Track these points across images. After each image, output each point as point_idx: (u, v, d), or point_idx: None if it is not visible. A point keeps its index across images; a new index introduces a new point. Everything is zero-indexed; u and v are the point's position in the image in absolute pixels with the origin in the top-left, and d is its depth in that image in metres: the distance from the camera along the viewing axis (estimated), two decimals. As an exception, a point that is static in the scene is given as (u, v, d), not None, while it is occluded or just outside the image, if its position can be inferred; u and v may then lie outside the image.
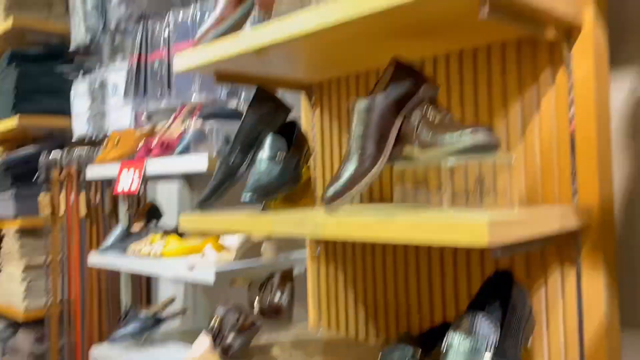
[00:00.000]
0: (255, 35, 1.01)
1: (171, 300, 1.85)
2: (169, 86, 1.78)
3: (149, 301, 2.21)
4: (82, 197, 2.11)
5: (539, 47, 0.99)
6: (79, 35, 2.35)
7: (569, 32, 0.94)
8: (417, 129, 0.89)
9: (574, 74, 0.94)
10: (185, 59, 1.17)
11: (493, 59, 1.06)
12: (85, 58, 2.50)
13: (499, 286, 0.92)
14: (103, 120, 2.20)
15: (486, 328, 0.80)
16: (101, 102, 2.21)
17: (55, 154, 2.26)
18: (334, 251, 1.36)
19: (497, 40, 1.04)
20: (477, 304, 0.90)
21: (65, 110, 2.51)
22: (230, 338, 1.09)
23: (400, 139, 0.94)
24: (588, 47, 0.93)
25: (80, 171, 2.14)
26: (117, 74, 2.13)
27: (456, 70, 1.12)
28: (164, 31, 1.82)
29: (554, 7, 0.85)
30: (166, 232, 1.74)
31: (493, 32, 0.99)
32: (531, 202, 1.00)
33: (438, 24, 0.93)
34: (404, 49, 1.09)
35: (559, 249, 0.97)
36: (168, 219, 2.06)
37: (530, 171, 1.00)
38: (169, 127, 1.72)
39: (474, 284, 1.09)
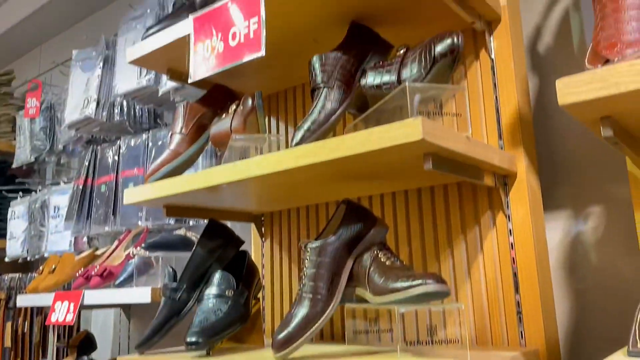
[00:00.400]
0: (209, 175, 1.03)
1: None
2: (114, 211, 1.75)
3: None
4: (9, 326, 1.94)
5: (479, 191, 1.06)
6: (22, 154, 2.32)
7: (505, 179, 1.01)
8: (368, 272, 0.90)
9: (512, 218, 1.00)
10: (136, 193, 1.16)
11: (437, 199, 1.11)
12: (27, 179, 2.44)
13: None
14: (40, 241, 2.10)
15: None
16: (40, 224, 2.12)
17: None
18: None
19: (439, 182, 1.10)
20: None
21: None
22: None
23: (352, 280, 0.94)
24: (523, 193, 1.00)
25: (10, 298, 1.99)
26: (58, 196, 2.08)
27: (403, 208, 1.16)
28: (114, 156, 1.82)
29: (489, 159, 0.92)
30: (99, 368, 1.60)
31: (436, 177, 1.06)
32: (481, 345, 1.01)
33: (385, 170, 0.98)
34: (352, 187, 1.14)
35: (511, 392, 0.96)
36: (102, 352, 1.91)
37: (478, 314, 1.02)
38: (111, 253, 1.66)
39: None
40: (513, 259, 1.00)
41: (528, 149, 1.02)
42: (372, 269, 0.89)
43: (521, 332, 0.96)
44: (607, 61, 0.63)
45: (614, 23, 0.63)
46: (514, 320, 0.98)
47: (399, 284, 0.81)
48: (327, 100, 1.00)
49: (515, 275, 0.99)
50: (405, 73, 0.92)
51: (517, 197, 1.00)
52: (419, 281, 0.80)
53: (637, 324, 0.64)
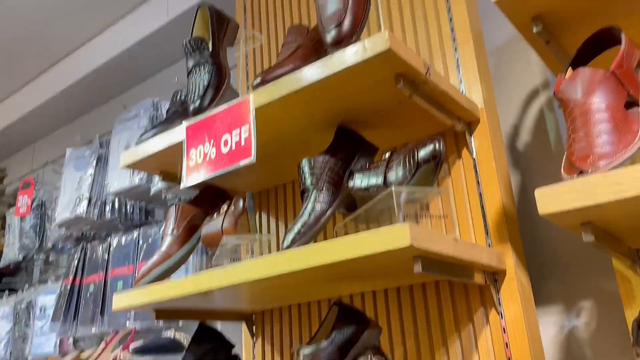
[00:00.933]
0: (199, 280, 1.02)
1: None
2: (102, 311, 1.71)
3: None
4: None
5: (470, 288, 1.06)
6: (10, 253, 2.29)
7: (495, 276, 1.02)
8: (363, 378, 0.88)
9: (505, 315, 1.00)
10: (125, 298, 1.15)
11: (429, 296, 1.11)
12: (14, 277, 2.40)
13: None
14: (24, 344, 2.03)
15: None
16: (25, 325, 2.06)
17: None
18: None
19: (431, 279, 1.11)
20: None
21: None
22: None
23: (346, 386, 0.92)
24: (514, 289, 1.00)
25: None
26: (45, 296, 2.04)
27: (395, 305, 1.16)
28: (104, 254, 1.81)
29: (478, 258, 0.93)
30: None
31: (427, 276, 1.06)
32: None
33: (377, 271, 0.99)
34: (344, 287, 1.13)
35: None
36: None
37: (477, 415, 0.99)
38: (98, 356, 1.61)
39: None
40: (509, 358, 0.98)
41: (515, 245, 1.04)
42: (366, 376, 0.88)
43: None
44: (581, 172, 0.66)
45: (584, 137, 0.67)
46: None
47: (395, 393, 0.80)
48: (316, 202, 1.03)
49: (512, 375, 0.97)
50: (391, 176, 0.95)
51: (508, 294, 1.01)
52: (415, 390, 0.78)
53: None
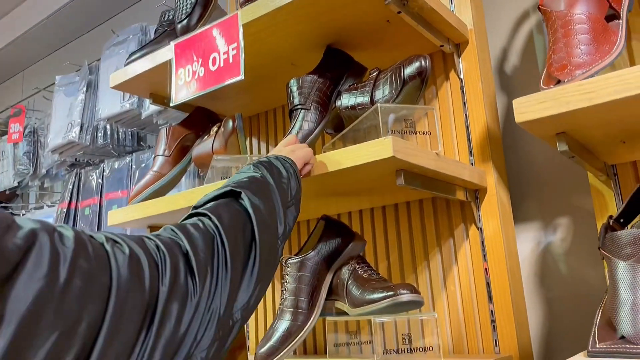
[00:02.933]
0: (192, 195, 1.06)
1: None
2: (98, 233, 1.75)
3: None
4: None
5: (452, 205, 1.11)
6: (5, 179, 2.32)
7: (476, 193, 1.06)
8: (347, 284, 0.94)
9: (484, 230, 1.05)
10: (120, 214, 1.18)
11: (413, 214, 1.16)
12: (10, 203, 2.44)
13: None
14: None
15: None
16: (23, 248, 2.11)
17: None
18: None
19: (415, 198, 1.15)
20: None
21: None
22: None
23: (332, 293, 0.98)
24: (494, 206, 1.04)
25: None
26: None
27: (380, 223, 1.20)
28: (97, 179, 1.84)
29: (459, 174, 0.96)
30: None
31: (411, 193, 1.10)
32: (457, 353, 1.04)
33: (362, 187, 1.02)
34: (331, 204, 1.17)
35: (487, 399, 0.99)
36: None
37: (454, 323, 1.06)
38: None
39: None
40: (486, 269, 1.04)
41: (497, 164, 1.08)
42: (350, 281, 0.93)
43: (495, 340, 1.00)
44: (558, 82, 0.68)
45: (564, 47, 0.69)
46: (488, 329, 1.01)
47: (375, 295, 0.85)
48: (304, 121, 1.05)
49: (488, 285, 1.03)
50: (378, 94, 0.97)
51: (488, 210, 1.05)
52: (394, 292, 0.83)
53: (596, 327, 0.68)
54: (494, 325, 1.01)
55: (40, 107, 2.38)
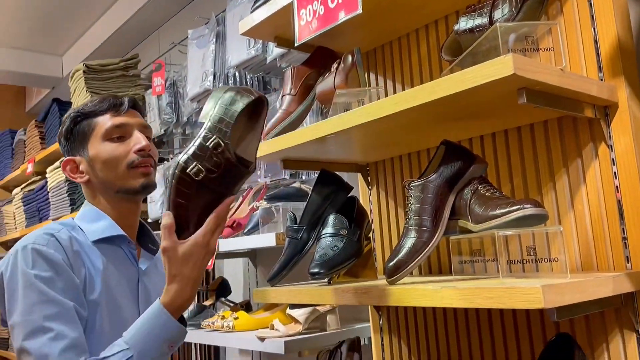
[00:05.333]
0: (319, 128, 1.15)
1: (240, 374, 1.92)
2: (236, 171, 1.95)
3: (217, 376, 2.28)
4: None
5: (580, 124, 1.08)
6: (153, 129, 2.61)
7: (606, 110, 1.02)
8: (469, 203, 0.98)
9: (615, 148, 1.02)
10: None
11: (537, 135, 1.15)
12: (158, 150, 2.76)
13: (561, 350, 0.95)
14: (175, 203, 2.39)
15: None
16: (174, 188, 2.41)
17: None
18: (397, 321, 1.41)
19: (539, 119, 1.13)
20: (540, 369, 0.94)
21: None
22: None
23: (455, 213, 1.03)
24: (625, 122, 1.00)
25: (156, 252, 2.31)
26: (188, 162, 2.34)
27: (503, 147, 1.21)
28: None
29: (587, 90, 0.94)
30: (235, 307, 1.84)
31: (535, 113, 1.09)
32: (586, 269, 1.05)
33: (483, 109, 1.04)
34: (452, 131, 1.20)
35: (618, 313, 1.00)
36: (235, 295, 2.16)
37: (582, 241, 1.06)
38: (237, 207, 1.87)
39: (537, 348, 1.12)
40: (617, 187, 1.01)
41: (630, 78, 1.02)
42: (472, 200, 0.97)
43: (627, 257, 0.99)
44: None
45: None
46: (619, 246, 1.00)
47: (498, 211, 0.89)
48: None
49: (619, 202, 1.01)
50: (497, 14, 0.96)
51: (620, 127, 1.01)
52: (518, 206, 0.86)
53: None
54: (625, 242, 1.00)
55: (177, 61, 2.62)
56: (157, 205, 2.54)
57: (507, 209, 0.88)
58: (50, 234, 1.08)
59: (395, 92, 1.43)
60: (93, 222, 1.17)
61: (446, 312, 1.30)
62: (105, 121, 1.18)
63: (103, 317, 1.09)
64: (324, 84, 1.31)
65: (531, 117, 1.12)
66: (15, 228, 3.76)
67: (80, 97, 2.87)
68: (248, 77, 2.03)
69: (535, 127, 1.15)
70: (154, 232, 1.31)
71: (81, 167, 1.19)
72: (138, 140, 1.18)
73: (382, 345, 1.44)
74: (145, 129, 1.22)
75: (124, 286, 1.15)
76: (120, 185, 1.17)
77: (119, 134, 1.17)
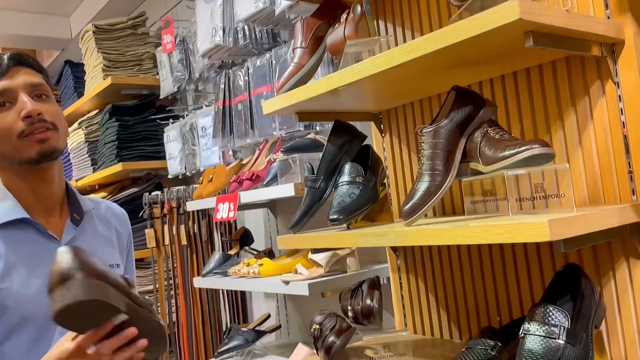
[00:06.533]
0: (331, 80, 1.18)
1: (267, 317, 2.04)
2: (252, 125, 2.00)
3: (245, 319, 2.41)
4: (182, 228, 2.37)
5: (587, 63, 1.10)
6: (167, 86, 2.65)
7: (613, 47, 1.04)
8: (480, 146, 1.02)
9: (622, 85, 1.04)
10: (271, 104, 1.36)
11: (545, 76, 1.17)
12: (173, 107, 2.80)
13: (569, 279, 1.02)
14: (195, 159, 2.46)
15: (558, 317, 0.91)
16: (192, 144, 2.47)
17: (156, 193, 2.55)
18: (413, 261, 1.49)
19: (547, 60, 1.15)
20: (550, 296, 1.01)
21: (159, 153, 2.82)
22: (331, 338, 1.24)
23: (466, 156, 1.07)
24: (632, 59, 1.03)
25: (179, 206, 2.40)
26: (204, 118, 2.40)
27: (512, 89, 1.23)
28: (244, 77, 2.05)
29: (593, 29, 0.96)
30: (258, 255, 1.94)
31: (543, 54, 1.11)
32: (594, 203, 1.10)
33: (491, 54, 1.06)
34: (462, 75, 1.23)
35: (624, 243, 1.06)
36: (257, 244, 2.26)
37: (590, 176, 1.10)
38: (255, 160, 1.93)
39: (547, 279, 1.19)
40: (623, 123, 1.05)
41: (637, 15, 1.03)
42: (483, 143, 1.01)
43: (633, 190, 1.04)
44: None
45: None
46: (625, 180, 1.05)
47: (507, 152, 0.93)
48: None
49: (625, 137, 1.05)
50: (503, -43, 0.97)
51: (626, 63, 1.03)
52: (526, 147, 0.91)
53: None
54: (631, 176, 1.04)
55: (185, 17, 2.62)
56: (176, 162, 2.61)
57: (515, 150, 0.92)
58: None
59: (405, 39, 1.44)
60: None
61: (460, 250, 1.37)
62: None
63: (16, 300, 1.04)
64: (334, 35, 1.33)
65: (539, 58, 1.14)
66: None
67: (92, 58, 2.90)
68: (257, 30, 2.04)
69: (544, 68, 1.17)
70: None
71: None
72: (24, 105, 1.06)
73: (400, 283, 1.52)
74: (35, 88, 1.09)
75: (43, 265, 1.01)
76: (18, 156, 1.07)
77: (2, 101, 1.06)
